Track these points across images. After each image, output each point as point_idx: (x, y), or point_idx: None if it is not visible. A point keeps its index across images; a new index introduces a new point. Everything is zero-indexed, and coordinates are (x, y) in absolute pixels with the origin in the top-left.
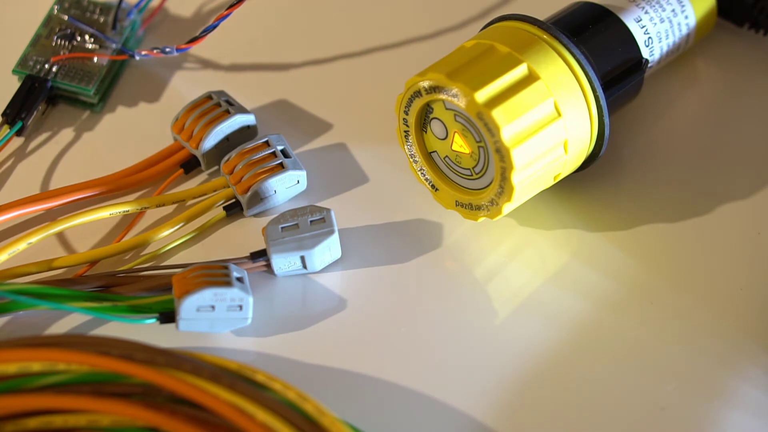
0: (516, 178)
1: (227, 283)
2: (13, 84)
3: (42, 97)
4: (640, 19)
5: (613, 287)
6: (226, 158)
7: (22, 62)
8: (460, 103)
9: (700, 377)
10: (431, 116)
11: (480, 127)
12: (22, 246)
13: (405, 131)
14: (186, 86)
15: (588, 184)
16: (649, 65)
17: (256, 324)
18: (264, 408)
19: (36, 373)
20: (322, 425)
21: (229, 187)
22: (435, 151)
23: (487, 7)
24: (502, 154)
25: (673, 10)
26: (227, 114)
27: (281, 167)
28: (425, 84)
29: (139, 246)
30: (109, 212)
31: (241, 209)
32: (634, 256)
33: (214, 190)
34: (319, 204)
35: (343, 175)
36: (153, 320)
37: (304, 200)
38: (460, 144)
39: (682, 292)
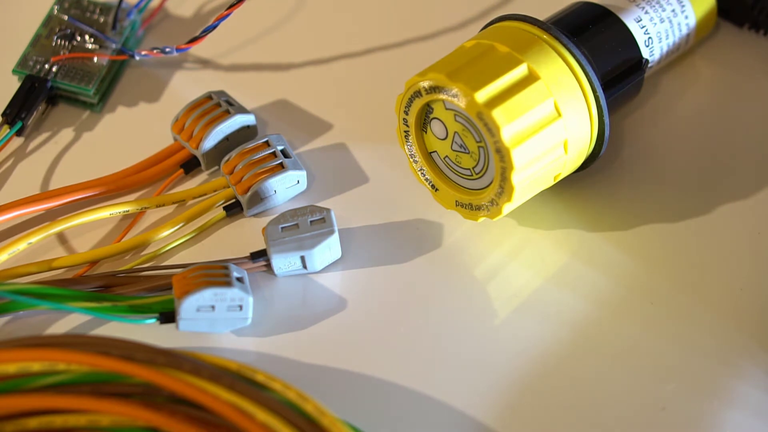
0: (516, 178)
1: (227, 283)
2: (13, 84)
3: (42, 97)
4: (640, 19)
5: (612, 287)
6: (226, 158)
7: (22, 62)
8: (460, 103)
9: (700, 377)
10: (431, 116)
11: (480, 127)
12: (22, 246)
13: (405, 131)
14: (186, 86)
15: (588, 184)
16: (649, 65)
17: (256, 324)
18: (264, 408)
19: (36, 373)
20: (322, 425)
21: (229, 187)
22: (435, 151)
23: (487, 7)
24: (502, 154)
25: (673, 10)
26: (227, 114)
27: (281, 167)
28: (425, 84)
29: (139, 246)
30: (109, 212)
31: (241, 209)
32: (634, 256)
33: (214, 190)
34: (319, 204)
35: (343, 175)
36: (153, 320)
37: (304, 200)
38: None
39: (682, 292)
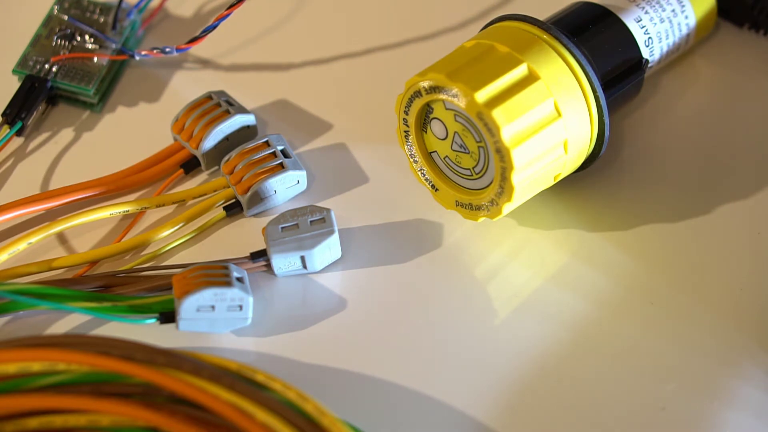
0: (516, 178)
1: (227, 283)
2: (13, 84)
3: (42, 97)
4: (640, 19)
5: (612, 287)
6: (226, 158)
7: (22, 62)
8: (460, 103)
9: (700, 377)
10: (431, 116)
11: (480, 127)
12: (22, 246)
13: (405, 131)
14: (186, 86)
15: (588, 184)
16: (649, 65)
17: (256, 324)
18: (264, 408)
19: (36, 373)
20: (322, 425)
21: (229, 187)
22: (435, 151)
23: (487, 7)
24: (502, 154)
25: (673, 10)
26: (227, 114)
27: (281, 167)
28: (425, 84)
29: (139, 246)
30: (109, 212)
31: (241, 209)
32: (634, 256)
33: (214, 190)
34: (319, 204)
35: (343, 175)
36: (153, 320)
37: (304, 200)
38: None
39: (682, 292)
